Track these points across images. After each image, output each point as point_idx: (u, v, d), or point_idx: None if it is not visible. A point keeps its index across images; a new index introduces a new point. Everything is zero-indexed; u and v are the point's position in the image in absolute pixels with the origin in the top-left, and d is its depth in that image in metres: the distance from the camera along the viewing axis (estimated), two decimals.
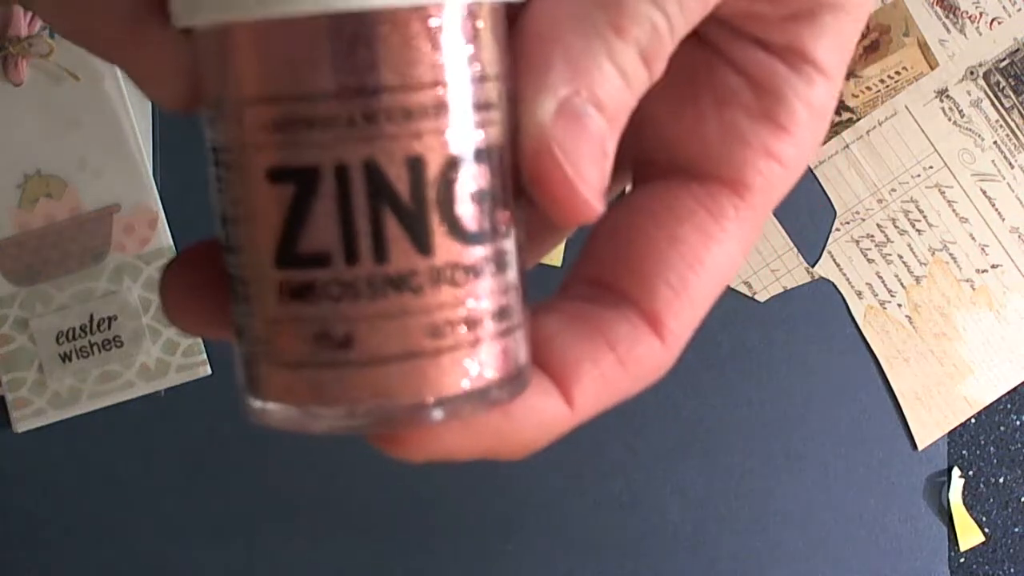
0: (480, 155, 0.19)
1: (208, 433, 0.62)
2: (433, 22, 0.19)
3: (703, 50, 0.23)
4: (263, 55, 0.19)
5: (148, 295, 0.60)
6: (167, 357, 0.61)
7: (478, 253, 0.19)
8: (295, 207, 0.19)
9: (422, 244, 0.19)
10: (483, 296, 0.20)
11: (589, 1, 0.20)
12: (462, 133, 0.19)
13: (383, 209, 0.19)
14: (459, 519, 0.63)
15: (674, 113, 0.23)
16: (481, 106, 0.20)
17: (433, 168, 0.19)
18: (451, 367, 0.19)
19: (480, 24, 0.20)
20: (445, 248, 0.19)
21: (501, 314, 0.20)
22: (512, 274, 0.20)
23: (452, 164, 0.19)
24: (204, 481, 0.62)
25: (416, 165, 0.19)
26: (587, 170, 0.20)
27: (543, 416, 0.21)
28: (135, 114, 0.60)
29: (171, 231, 0.60)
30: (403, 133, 0.19)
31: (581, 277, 0.23)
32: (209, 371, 0.61)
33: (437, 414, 0.19)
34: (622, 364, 0.22)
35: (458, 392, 0.19)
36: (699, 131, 0.23)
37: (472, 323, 0.19)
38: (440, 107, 0.19)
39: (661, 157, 0.23)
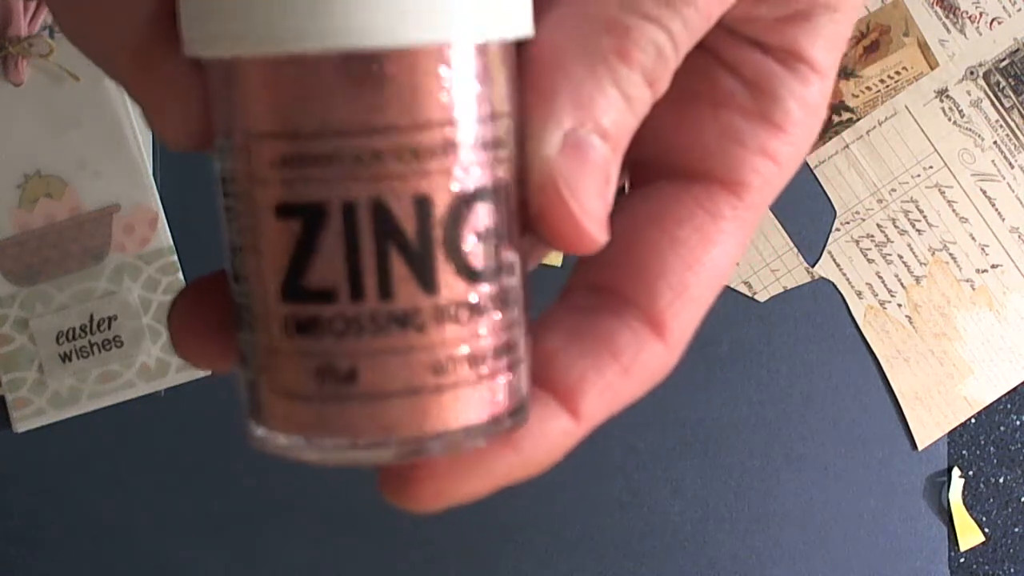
0: (488, 193, 0.20)
1: (208, 433, 0.62)
2: (443, 62, 0.19)
3: (699, 52, 0.23)
4: (272, 90, 0.19)
5: (148, 295, 0.60)
6: (167, 357, 0.61)
7: (483, 291, 0.20)
8: (301, 243, 0.19)
9: (427, 283, 0.19)
10: (487, 333, 0.20)
11: (594, 28, 0.21)
12: (471, 172, 0.19)
13: (389, 248, 0.19)
14: (459, 518, 0.63)
15: (670, 115, 0.23)
16: (490, 144, 0.20)
17: (440, 207, 0.19)
18: (453, 403, 0.20)
19: (490, 63, 0.20)
20: (450, 287, 0.19)
21: (504, 350, 0.20)
22: (516, 309, 0.20)
23: (460, 203, 0.19)
24: (204, 481, 0.62)
25: (423, 204, 0.19)
26: (591, 203, 0.21)
27: (550, 438, 0.22)
28: (135, 114, 0.60)
29: (171, 231, 0.60)
30: (411, 172, 0.19)
31: (581, 282, 0.23)
32: (209, 371, 0.61)
33: (437, 448, 0.20)
34: (626, 373, 0.22)
35: (459, 427, 0.20)
36: (696, 133, 0.23)
37: (475, 360, 0.20)
38: (449, 146, 0.19)
39: (658, 159, 0.24)
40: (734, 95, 0.23)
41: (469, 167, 0.19)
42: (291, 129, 0.19)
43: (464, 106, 0.19)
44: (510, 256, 0.20)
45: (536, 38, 0.21)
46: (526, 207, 0.21)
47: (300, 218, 0.19)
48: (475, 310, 0.20)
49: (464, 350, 0.19)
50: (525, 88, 0.20)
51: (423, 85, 0.19)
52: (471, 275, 0.19)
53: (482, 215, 0.19)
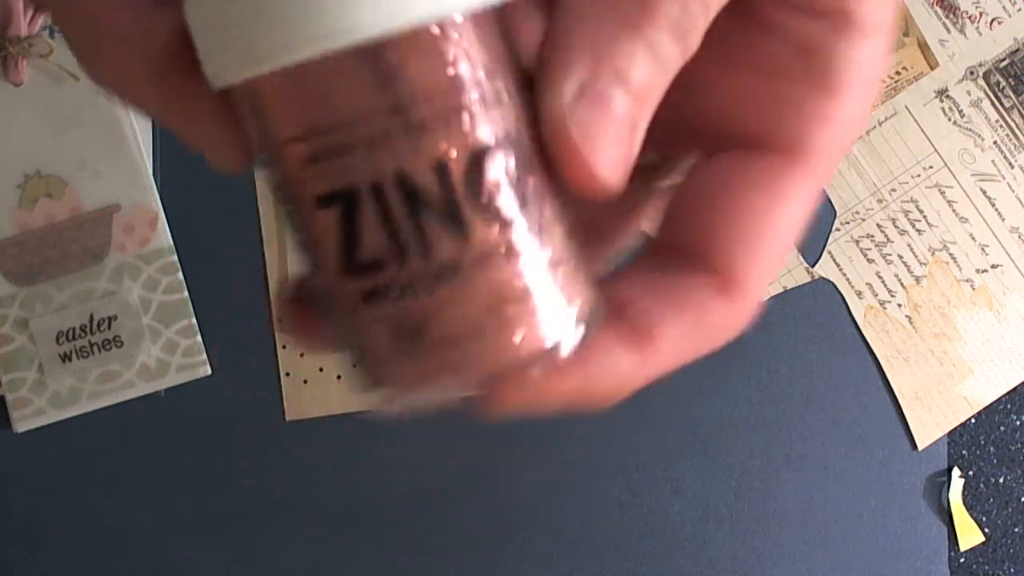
0: (501, 144, 0.21)
1: (208, 433, 0.62)
2: (438, 37, 0.20)
3: (746, 21, 0.23)
4: (284, 99, 0.21)
5: (148, 295, 0.60)
6: (167, 357, 0.61)
7: (515, 230, 0.21)
8: (344, 226, 0.21)
9: (462, 235, 0.21)
10: (530, 265, 0.21)
11: None
12: (480, 129, 0.21)
13: (420, 213, 0.21)
14: (459, 519, 0.63)
15: (726, 88, 0.24)
16: (492, 100, 0.21)
17: (458, 167, 0.21)
18: (515, 335, 0.21)
19: (481, 27, 0.21)
20: (483, 234, 0.21)
21: (553, 274, 0.22)
22: (557, 235, 0.22)
23: (475, 158, 0.21)
24: (204, 481, 0.62)
25: (442, 168, 0.20)
26: (608, 151, 0.21)
27: (620, 372, 0.23)
28: (135, 114, 0.60)
29: (171, 231, 0.61)
30: (425, 144, 0.20)
31: (662, 241, 0.24)
32: (209, 371, 0.61)
33: (511, 376, 0.22)
34: (700, 326, 0.23)
35: (526, 354, 0.21)
36: (753, 104, 0.24)
37: (525, 292, 0.21)
38: (456, 112, 0.20)
39: (720, 131, 0.24)
40: (787, 63, 0.23)
41: (477, 125, 0.21)
42: (309, 129, 0.21)
43: (463, 72, 0.21)
44: (536, 191, 0.21)
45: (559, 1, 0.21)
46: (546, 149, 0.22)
47: (338, 205, 0.21)
48: (511, 248, 0.21)
49: (513, 286, 0.21)
50: (547, 43, 0.21)
51: (421, 63, 0.20)
52: (500, 219, 0.21)
53: (499, 164, 0.21)
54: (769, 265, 0.24)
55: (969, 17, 0.64)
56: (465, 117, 0.21)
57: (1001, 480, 0.65)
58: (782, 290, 0.64)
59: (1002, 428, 0.65)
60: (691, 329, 0.23)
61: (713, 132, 0.24)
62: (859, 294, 0.64)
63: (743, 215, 0.23)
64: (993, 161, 0.64)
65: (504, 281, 0.21)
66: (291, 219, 0.22)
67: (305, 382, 0.62)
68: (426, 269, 0.21)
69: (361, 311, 0.21)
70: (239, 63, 0.21)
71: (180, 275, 0.61)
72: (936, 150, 0.64)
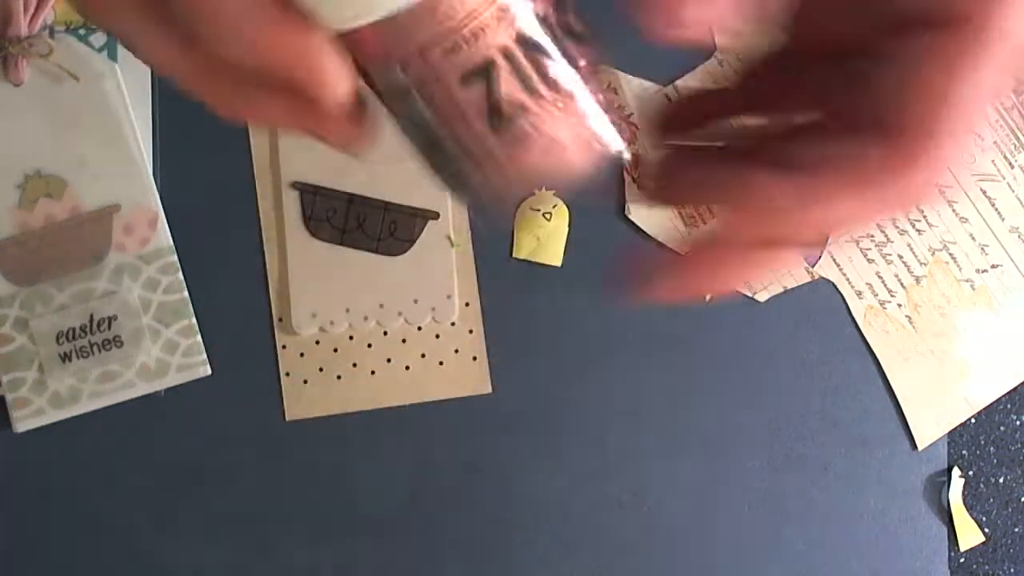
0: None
1: (208, 433, 0.62)
2: None
3: None
4: (417, 19, 0.25)
5: (148, 295, 0.60)
6: (167, 357, 0.61)
7: (592, 57, 0.27)
8: (490, 89, 0.26)
9: (569, 65, 0.27)
10: (592, 96, 0.28)
11: None
12: None
13: (537, 57, 0.26)
14: (459, 519, 0.63)
15: None
16: None
17: (552, 13, 0.26)
18: (604, 138, 0.28)
19: None
20: (579, 60, 0.27)
21: (607, 99, 0.28)
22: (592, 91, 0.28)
23: (559, 5, 0.26)
24: (204, 481, 0.62)
25: (542, 19, 0.26)
26: (691, 9, 0.24)
27: (778, 198, 0.26)
28: (135, 114, 0.60)
29: (171, 231, 0.60)
30: (510, 15, 0.26)
31: (841, 116, 0.26)
32: (209, 371, 0.61)
33: (608, 166, 0.28)
34: (873, 189, 0.25)
35: (612, 152, 0.28)
36: None
37: (607, 105, 0.27)
38: None
39: (901, 10, 0.25)
40: None
41: None
42: (445, 33, 0.26)
43: None
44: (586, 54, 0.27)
45: None
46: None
47: (480, 77, 0.26)
48: (593, 70, 0.27)
49: (599, 101, 0.27)
50: None
51: None
52: (583, 47, 0.27)
53: (572, 3, 0.26)
54: (950, 135, 0.25)
55: None
56: None
57: (1001, 480, 0.65)
58: (782, 290, 0.64)
59: (1002, 428, 0.65)
60: (865, 198, 0.25)
61: (894, 11, 0.25)
62: (859, 294, 0.64)
63: (923, 85, 0.25)
64: (993, 161, 0.64)
65: (594, 97, 0.27)
66: (445, 125, 0.27)
67: (305, 382, 0.62)
68: (549, 98, 0.27)
69: (509, 154, 0.27)
70: (373, 6, 0.25)
71: (180, 275, 0.61)
72: None
